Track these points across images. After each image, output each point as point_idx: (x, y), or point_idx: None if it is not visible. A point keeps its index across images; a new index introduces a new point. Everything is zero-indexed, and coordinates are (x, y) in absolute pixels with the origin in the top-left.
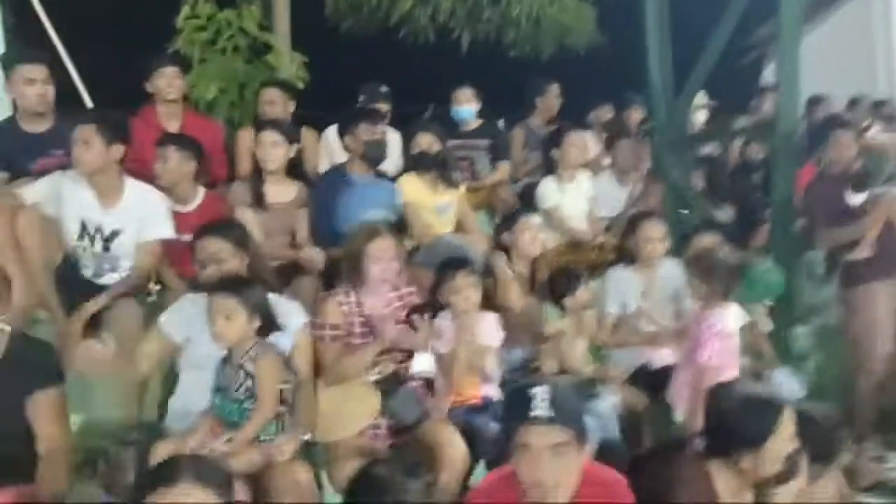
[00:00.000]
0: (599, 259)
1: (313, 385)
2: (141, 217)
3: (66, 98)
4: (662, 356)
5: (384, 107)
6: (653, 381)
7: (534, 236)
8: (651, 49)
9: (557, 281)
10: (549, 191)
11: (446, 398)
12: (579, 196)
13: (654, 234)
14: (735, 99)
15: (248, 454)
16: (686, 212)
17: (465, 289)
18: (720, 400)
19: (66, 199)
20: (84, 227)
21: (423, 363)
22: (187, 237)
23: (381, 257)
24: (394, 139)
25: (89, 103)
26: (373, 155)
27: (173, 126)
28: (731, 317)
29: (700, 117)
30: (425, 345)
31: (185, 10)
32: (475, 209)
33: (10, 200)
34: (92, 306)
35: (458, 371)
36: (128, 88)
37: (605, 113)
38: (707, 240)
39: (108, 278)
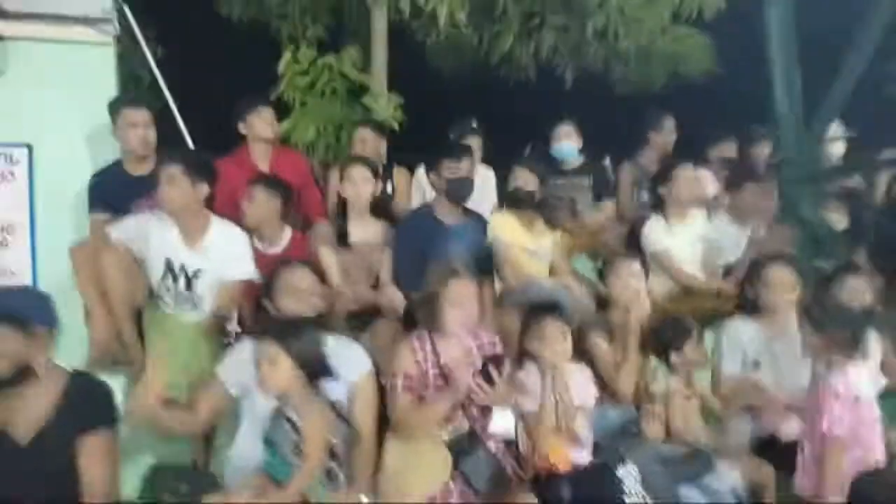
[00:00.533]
0: (715, 309)
1: (377, 439)
2: (224, 257)
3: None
4: (793, 425)
5: (473, 142)
6: (782, 455)
7: (627, 283)
8: (776, 77)
9: (664, 332)
10: (655, 231)
11: (529, 463)
12: (692, 237)
13: (781, 281)
14: (876, 130)
15: None
16: (819, 258)
17: (553, 338)
18: (864, 487)
19: (153, 237)
20: (168, 266)
21: (502, 421)
22: None
23: (459, 301)
24: (487, 177)
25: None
26: (456, 192)
27: (265, 165)
28: (858, 378)
29: (836, 150)
30: (505, 400)
31: (288, 56)
32: (576, 252)
33: (96, 240)
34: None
35: (543, 432)
36: (233, 135)
37: (727, 149)
38: (848, 286)
39: (189, 317)
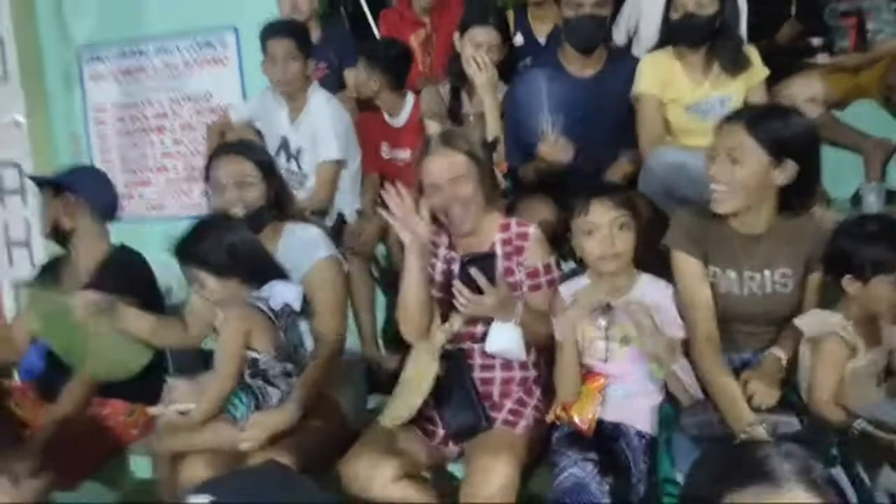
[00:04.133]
0: None
1: (334, 351)
2: (314, 134)
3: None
4: None
5: None
6: None
7: None
8: None
9: (847, 238)
10: None
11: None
12: None
13: None
14: None
15: (203, 432)
16: None
17: (600, 229)
18: None
19: (269, 115)
20: (279, 144)
21: (501, 338)
22: (402, 154)
23: (435, 183)
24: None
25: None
26: (576, 36)
27: (426, 17)
28: None
29: None
30: (498, 311)
31: None
32: (855, 98)
33: (220, 122)
34: None
35: (563, 372)
36: None
37: None
38: None
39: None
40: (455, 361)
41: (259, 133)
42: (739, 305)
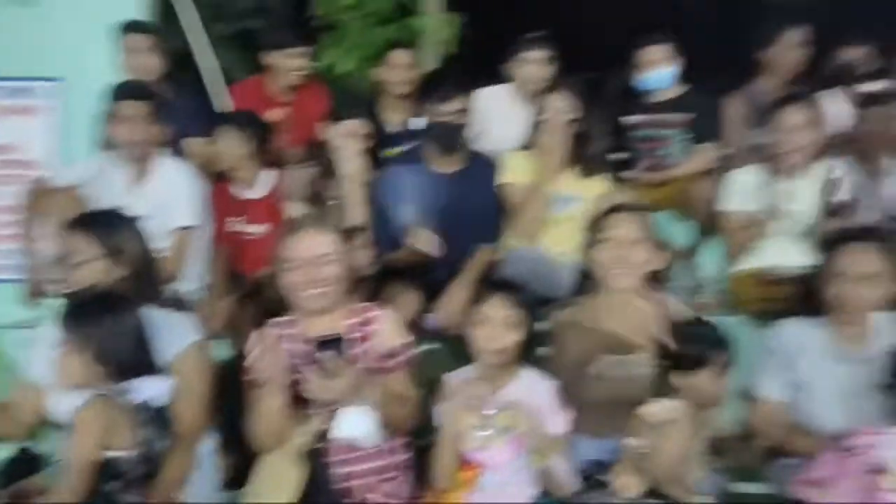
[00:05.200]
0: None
1: (194, 446)
2: (164, 201)
3: None
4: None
5: (532, 66)
6: None
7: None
8: None
9: (682, 339)
10: (740, 187)
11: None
12: (802, 198)
13: (860, 264)
14: None
15: None
16: None
17: (493, 322)
18: None
19: (101, 180)
20: None
21: (350, 424)
22: (254, 228)
23: (305, 258)
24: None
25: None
26: (436, 139)
27: (289, 98)
28: None
29: None
30: (347, 396)
31: None
32: (661, 209)
33: (38, 185)
34: None
35: (441, 460)
36: None
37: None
38: None
39: None
40: (313, 460)
41: (86, 199)
42: (616, 389)
